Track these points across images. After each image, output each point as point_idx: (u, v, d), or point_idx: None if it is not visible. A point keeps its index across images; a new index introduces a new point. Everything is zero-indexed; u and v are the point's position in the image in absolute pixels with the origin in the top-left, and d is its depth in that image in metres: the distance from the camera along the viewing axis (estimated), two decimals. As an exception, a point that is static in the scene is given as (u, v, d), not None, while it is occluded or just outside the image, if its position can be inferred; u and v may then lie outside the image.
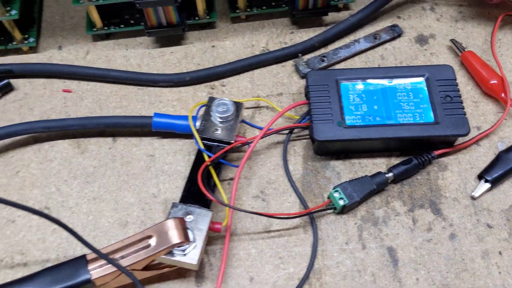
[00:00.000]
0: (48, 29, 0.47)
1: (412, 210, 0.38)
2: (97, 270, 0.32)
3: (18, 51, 0.45)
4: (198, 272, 0.35)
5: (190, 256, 0.32)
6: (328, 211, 0.38)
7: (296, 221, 0.37)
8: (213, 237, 0.36)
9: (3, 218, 0.38)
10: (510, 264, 0.36)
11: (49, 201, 0.38)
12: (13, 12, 0.41)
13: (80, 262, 0.32)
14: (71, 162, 0.40)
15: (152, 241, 0.32)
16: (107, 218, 0.38)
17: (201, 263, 0.36)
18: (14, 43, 0.44)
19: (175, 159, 0.40)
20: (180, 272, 0.35)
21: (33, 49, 0.45)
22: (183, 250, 0.32)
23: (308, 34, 0.46)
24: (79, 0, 0.41)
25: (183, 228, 0.32)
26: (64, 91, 0.43)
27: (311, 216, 0.37)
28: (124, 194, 0.39)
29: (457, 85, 0.39)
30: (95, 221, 0.38)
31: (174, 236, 0.32)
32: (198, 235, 0.33)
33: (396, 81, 0.40)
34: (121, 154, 0.40)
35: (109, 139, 0.41)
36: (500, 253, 0.36)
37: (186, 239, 0.32)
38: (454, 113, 0.38)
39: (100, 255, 0.31)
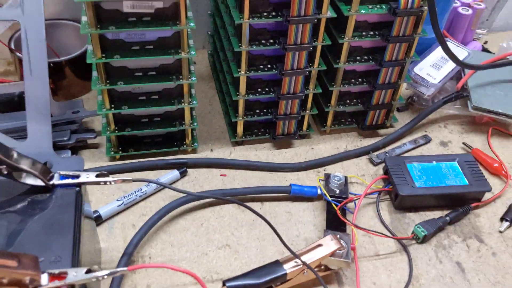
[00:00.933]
0: (200, 139, 0.69)
1: (464, 240, 0.59)
2: (289, 267, 0.50)
3: (184, 152, 0.67)
4: (339, 279, 0.54)
5: (345, 258, 0.51)
6: (413, 242, 0.58)
7: (395, 248, 0.57)
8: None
9: (199, 252, 0.55)
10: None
11: (228, 240, 0.57)
12: (195, 124, 0.64)
13: (277, 263, 0.50)
14: (237, 217, 0.59)
15: (322, 248, 0.51)
16: (269, 250, 0.56)
17: (338, 275, 0.54)
18: (185, 146, 0.66)
19: (305, 214, 0.60)
20: (328, 279, 0.53)
21: (193, 151, 0.67)
22: (341, 254, 0.51)
23: (370, 140, 0.71)
24: (235, 133, 0.65)
25: (339, 239, 0.52)
26: (222, 175, 0.64)
27: (403, 244, 0.57)
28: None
29: (477, 164, 0.64)
30: (262, 252, 0.56)
31: (336, 244, 0.51)
32: (346, 246, 0.52)
33: (438, 163, 0.64)
34: (268, 211, 0.60)
35: (259, 203, 0.61)
36: (525, 262, 0.57)
37: (343, 246, 0.51)
38: (480, 179, 0.62)
39: (294, 254, 0.49)
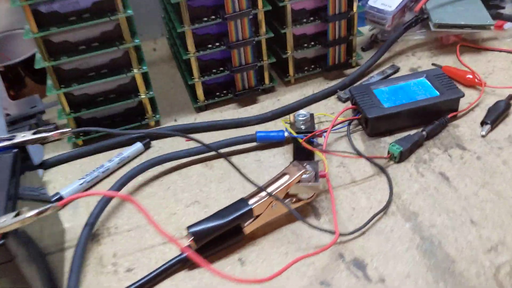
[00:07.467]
0: (164, 113, 0.67)
1: (446, 150, 0.55)
2: (254, 202, 0.47)
3: (147, 126, 0.65)
4: (315, 211, 0.50)
5: (314, 182, 0.48)
6: (390, 162, 0.55)
7: (372, 172, 0.54)
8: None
9: (167, 213, 0.53)
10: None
11: (197, 197, 0.54)
12: (151, 92, 0.62)
13: (241, 201, 0.48)
14: (205, 175, 0.57)
15: (286, 176, 0.48)
16: (240, 197, 0.53)
17: (314, 208, 0.51)
18: (147, 119, 0.64)
19: (275, 159, 0.57)
20: (303, 213, 0.50)
21: (157, 124, 0.65)
22: (307, 179, 0.48)
23: (337, 81, 0.68)
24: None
25: (303, 165, 0.49)
26: (187, 140, 0.62)
27: (380, 166, 0.54)
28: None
29: (445, 74, 0.60)
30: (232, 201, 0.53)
31: (301, 169, 0.48)
32: (313, 170, 0.49)
33: (406, 82, 0.61)
34: (237, 164, 0.57)
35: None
36: (514, 159, 0.53)
37: (308, 170, 0.48)
38: (450, 88, 0.58)
39: (256, 185, 0.47)
